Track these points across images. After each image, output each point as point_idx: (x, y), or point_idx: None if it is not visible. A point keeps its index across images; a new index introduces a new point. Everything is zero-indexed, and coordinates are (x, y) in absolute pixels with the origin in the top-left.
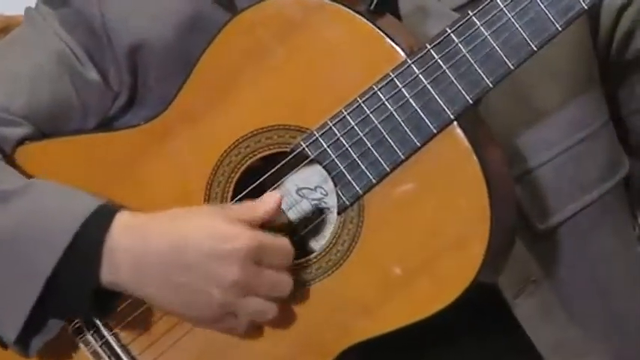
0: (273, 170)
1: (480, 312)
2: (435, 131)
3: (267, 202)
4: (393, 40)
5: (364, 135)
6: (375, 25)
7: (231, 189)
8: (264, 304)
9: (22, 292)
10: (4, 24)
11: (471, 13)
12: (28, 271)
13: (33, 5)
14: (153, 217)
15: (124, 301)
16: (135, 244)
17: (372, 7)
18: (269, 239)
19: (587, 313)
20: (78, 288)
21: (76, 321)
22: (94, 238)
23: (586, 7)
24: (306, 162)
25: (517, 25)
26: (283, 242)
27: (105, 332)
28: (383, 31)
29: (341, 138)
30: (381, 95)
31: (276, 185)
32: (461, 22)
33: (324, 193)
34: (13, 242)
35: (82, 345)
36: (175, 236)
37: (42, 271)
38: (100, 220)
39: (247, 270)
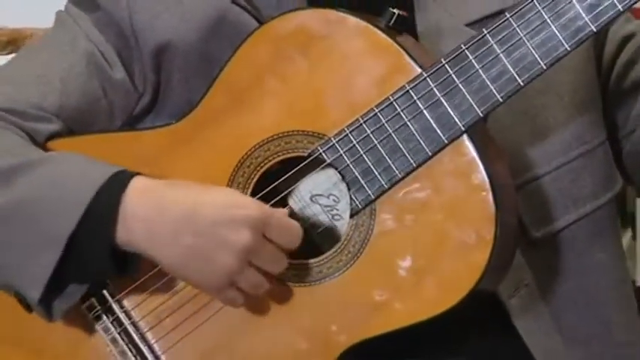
0: (290, 173)
1: (480, 312)
2: (446, 142)
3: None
4: (409, 55)
5: (379, 142)
6: (393, 39)
7: (250, 190)
8: (261, 278)
9: (44, 253)
10: (10, 37)
11: (485, 31)
12: (50, 232)
13: (37, 18)
14: (170, 183)
15: (144, 292)
16: (148, 208)
17: (391, 23)
18: (279, 214)
19: (574, 320)
20: (96, 248)
21: (97, 308)
22: (111, 200)
23: (595, 30)
24: (322, 166)
25: (528, 45)
26: (293, 222)
27: (124, 320)
28: (401, 46)
29: (357, 145)
30: (396, 106)
31: (291, 188)
32: (475, 40)
33: (337, 200)
34: (36, 206)
35: (101, 331)
36: (189, 203)
37: (63, 232)
38: (117, 184)
39: (256, 237)
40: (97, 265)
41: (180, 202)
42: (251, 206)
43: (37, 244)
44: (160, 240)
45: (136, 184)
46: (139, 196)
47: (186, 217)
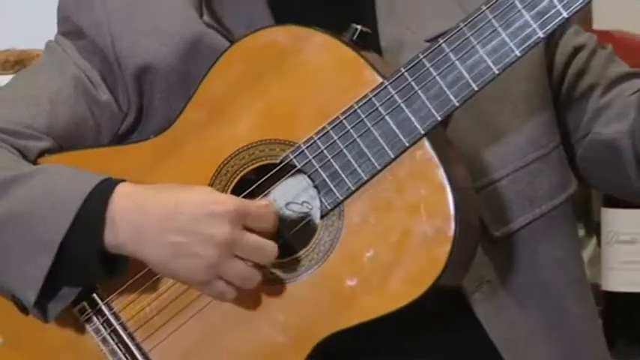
0: (264, 179)
1: (445, 307)
2: (407, 145)
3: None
4: (372, 66)
5: (345, 148)
6: (358, 53)
7: None
8: (249, 269)
9: (38, 259)
10: (18, 57)
11: (440, 41)
12: (42, 238)
13: (43, 40)
14: (152, 186)
15: (131, 294)
16: (134, 211)
17: (354, 38)
18: (255, 205)
19: (534, 313)
20: (86, 252)
21: (88, 311)
22: (98, 206)
23: (543, 36)
24: (293, 171)
25: (481, 52)
26: (268, 210)
27: (113, 321)
28: (364, 58)
29: (324, 150)
30: (360, 113)
31: (266, 192)
32: (432, 49)
33: (308, 203)
34: (29, 214)
35: (92, 332)
36: (171, 202)
37: (54, 238)
38: (103, 190)
39: (235, 230)
40: (87, 268)
41: (163, 204)
42: (228, 201)
43: (31, 250)
44: (146, 240)
45: (121, 190)
46: (124, 200)
47: (169, 216)
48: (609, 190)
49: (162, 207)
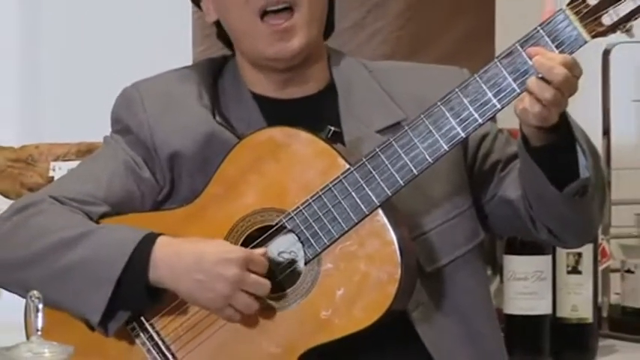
0: (264, 236)
1: (394, 323)
2: (366, 213)
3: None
4: (341, 155)
5: (322, 214)
6: (331, 146)
7: None
8: (250, 300)
9: (101, 291)
10: (87, 147)
11: (391, 139)
12: (104, 276)
13: (103, 134)
14: (183, 239)
15: (168, 317)
16: (170, 256)
17: (329, 135)
18: (256, 254)
19: (456, 328)
20: (136, 286)
21: (137, 329)
22: (144, 253)
23: (464, 136)
24: (284, 231)
25: (420, 147)
26: (263, 259)
27: (155, 336)
28: (336, 150)
29: (307, 216)
30: (333, 190)
31: (265, 246)
32: (385, 144)
33: (297, 256)
34: (95, 259)
35: (139, 345)
36: (197, 251)
37: (113, 276)
38: (148, 241)
39: (242, 271)
40: (136, 297)
41: (191, 252)
42: (237, 251)
43: (96, 284)
44: (178, 277)
45: (161, 241)
46: (163, 248)
47: (195, 261)
48: (514, 234)
49: (191, 254)
